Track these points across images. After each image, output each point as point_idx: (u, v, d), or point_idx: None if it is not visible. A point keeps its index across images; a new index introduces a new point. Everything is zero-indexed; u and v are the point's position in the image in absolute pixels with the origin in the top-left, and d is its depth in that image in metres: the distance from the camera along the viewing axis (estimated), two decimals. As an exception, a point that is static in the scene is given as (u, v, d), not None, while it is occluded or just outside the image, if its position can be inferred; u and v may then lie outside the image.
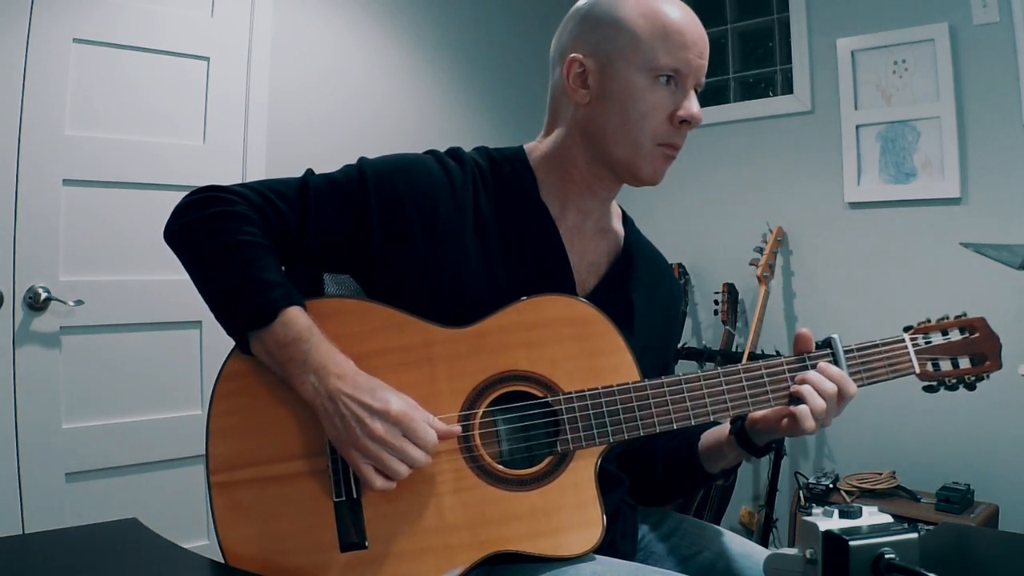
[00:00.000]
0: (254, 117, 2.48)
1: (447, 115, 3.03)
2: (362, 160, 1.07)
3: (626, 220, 1.21)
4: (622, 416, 0.98)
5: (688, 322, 3.17)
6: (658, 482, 1.17)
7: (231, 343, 0.97)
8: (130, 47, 2.25)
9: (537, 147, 1.13)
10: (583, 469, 0.98)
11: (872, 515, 0.75)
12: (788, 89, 3.03)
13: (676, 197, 3.19)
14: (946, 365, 1.07)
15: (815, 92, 2.94)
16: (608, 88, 1.03)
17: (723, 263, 3.08)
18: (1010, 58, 2.50)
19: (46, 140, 2.10)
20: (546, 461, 0.98)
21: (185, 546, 0.96)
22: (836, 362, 1.03)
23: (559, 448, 0.97)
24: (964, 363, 1.07)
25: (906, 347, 1.06)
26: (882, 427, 2.71)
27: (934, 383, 1.07)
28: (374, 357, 0.97)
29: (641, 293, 1.14)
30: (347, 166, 1.07)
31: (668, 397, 0.99)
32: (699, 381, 1.00)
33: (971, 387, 1.08)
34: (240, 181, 2.42)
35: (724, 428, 1.09)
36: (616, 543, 1.08)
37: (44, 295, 2.09)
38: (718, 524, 1.24)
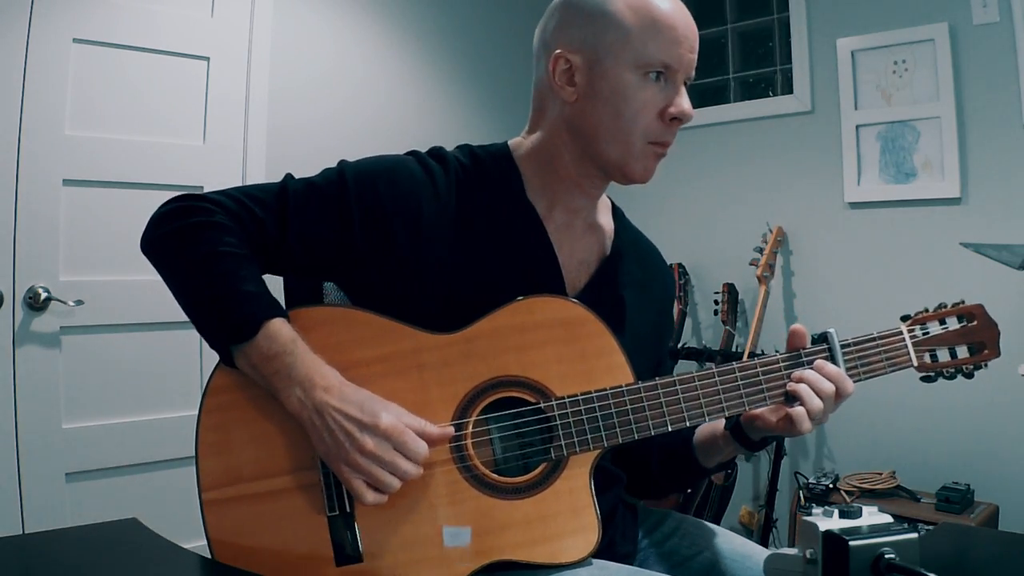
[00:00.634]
0: (254, 117, 2.48)
1: (447, 115, 3.03)
2: (342, 163, 1.05)
3: (616, 213, 1.18)
4: (616, 419, 0.97)
5: (688, 322, 3.17)
6: (653, 476, 1.16)
7: (231, 343, 0.97)
8: (130, 47, 2.25)
9: (522, 143, 1.10)
10: (578, 474, 0.97)
11: (872, 515, 0.75)
12: (788, 89, 3.03)
13: (676, 197, 3.19)
14: (944, 356, 1.05)
15: (815, 92, 2.94)
16: (597, 86, 1.00)
17: (723, 263, 3.08)
18: (1010, 58, 2.50)
19: (46, 140, 2.10)
20: (540, 467, 0.97)
21: (185, 546, 0.95)
22: (833, 358, 1.00)
23: (553, 455, 0.96)
24: (962, 352, 1.05)
25: (903, 340, 1.04)
26: (882, 427, 2.71)
27: (931, 374, 1.06)
28: (362, 366, 0.95)
29: (633, 289, 1.12)
30: (327, 170, 1.05)
31: (662, 399, 0.98)
32: (693, 381, 0.98)
33: (969, 376, 1.07)
34: (240, 181, 2.45)
35: (719, 422, 1.07)
36: (615, 543, 1.08)
37: (44, 295, 2.09)
38: (718, 524, 1.23)
